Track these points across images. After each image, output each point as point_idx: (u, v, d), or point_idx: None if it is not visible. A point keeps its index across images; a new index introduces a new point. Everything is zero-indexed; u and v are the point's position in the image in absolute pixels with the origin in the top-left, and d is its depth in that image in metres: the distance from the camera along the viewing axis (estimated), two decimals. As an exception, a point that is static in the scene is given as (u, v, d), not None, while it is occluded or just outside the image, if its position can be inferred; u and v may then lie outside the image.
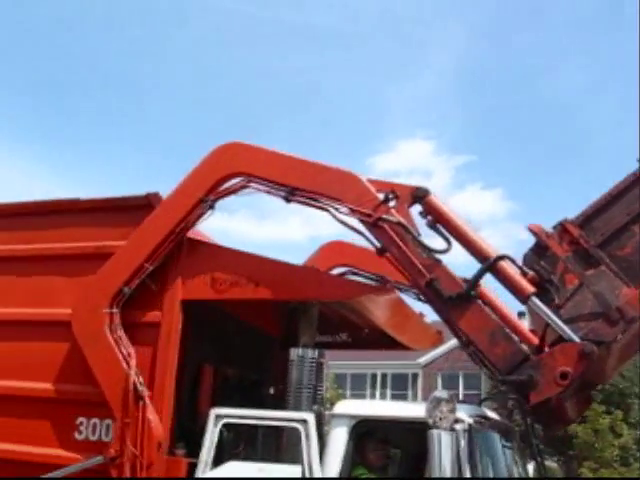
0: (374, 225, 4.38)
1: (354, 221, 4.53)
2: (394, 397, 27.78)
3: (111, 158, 50.76)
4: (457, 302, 4.22)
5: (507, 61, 50.91)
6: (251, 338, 5.61)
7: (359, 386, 28.56)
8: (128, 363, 4.38)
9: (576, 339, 4.04)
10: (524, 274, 4.33)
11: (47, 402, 4.72)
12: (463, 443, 3.78)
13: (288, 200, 4.58)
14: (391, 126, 55.10)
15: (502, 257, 4.28)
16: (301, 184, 4.52)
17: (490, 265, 4.26)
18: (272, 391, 5.77)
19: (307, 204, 4.61)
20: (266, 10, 45.31)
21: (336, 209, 4.47)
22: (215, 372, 5.00)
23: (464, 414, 3.91)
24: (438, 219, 4.41)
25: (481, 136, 51.76)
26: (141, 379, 4.34)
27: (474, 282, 4.28)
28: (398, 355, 21.99)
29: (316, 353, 4.66)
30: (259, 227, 46.88)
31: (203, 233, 5.01)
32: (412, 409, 4.32)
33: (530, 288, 4.22)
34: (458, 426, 3.78)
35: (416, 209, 4.47)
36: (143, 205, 4.75)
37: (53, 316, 4.79)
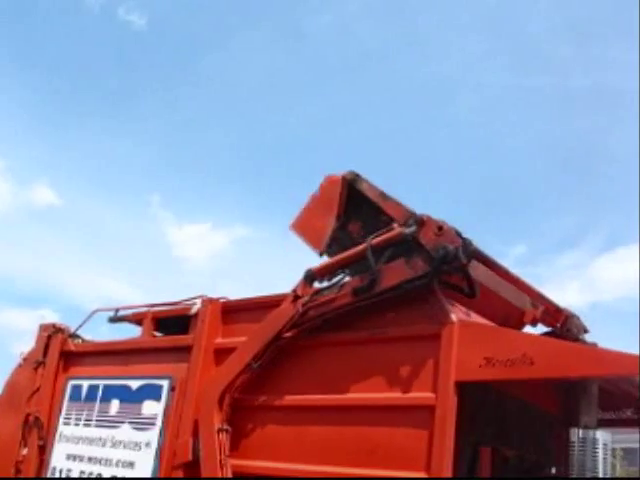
0: None
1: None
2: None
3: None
4: None
5: None
6: (530, 417, 5.47)
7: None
8: None
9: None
10: None
11: None
12: None
13: None
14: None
15: None
16: None
17: None
18: (554, 472, 5.57)
19: None
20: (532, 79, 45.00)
21: None
22: (493, 454, 4.93)
23: None
24: None
25: None
26: None
27: None
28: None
29: (598, 434, 4.46)
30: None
31: (472, 313, 5.02)
32: None
33: None
34: None
35: None
36: None
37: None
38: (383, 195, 5.16)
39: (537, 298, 5.50)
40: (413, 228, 4.72)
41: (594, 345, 5.48)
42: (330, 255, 5.43)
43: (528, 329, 5.55)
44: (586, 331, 5.72)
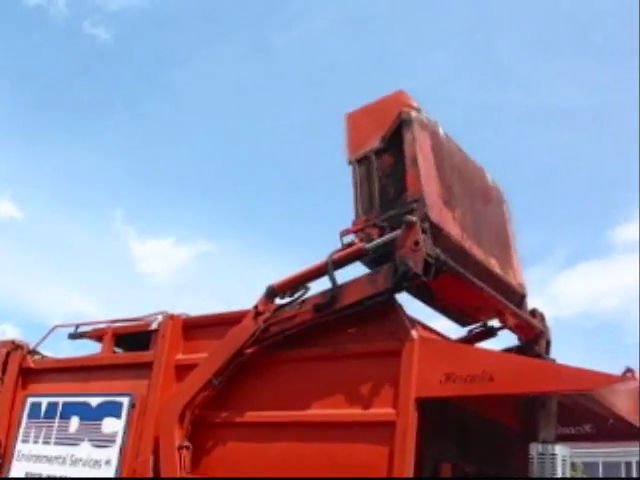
0: None
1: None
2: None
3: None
4: None
5: None
6: (490, 432, 5.50)
7: (613, 475, 26.74)
8: None
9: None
10: None
11: None
12: None
13: None
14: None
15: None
16: None
17: None
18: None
19: None
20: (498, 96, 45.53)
21: None
22: (454, 469, 4.94)
23: None
24: None
25: None
26: None
27: None
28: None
29: (557, 449, 4.52)
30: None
31: (433, 329, 5.07)
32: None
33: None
34: None
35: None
36: None
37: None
38: (414, 160, 4.87)
39: (512, 314, 5.55)
40: (380, 240, 4.76)
41: (553, 361, 5.54)
42: (353, 169, 5.22)
43: (490, 344, 5.63)
44: (548, 352, 5.78)
